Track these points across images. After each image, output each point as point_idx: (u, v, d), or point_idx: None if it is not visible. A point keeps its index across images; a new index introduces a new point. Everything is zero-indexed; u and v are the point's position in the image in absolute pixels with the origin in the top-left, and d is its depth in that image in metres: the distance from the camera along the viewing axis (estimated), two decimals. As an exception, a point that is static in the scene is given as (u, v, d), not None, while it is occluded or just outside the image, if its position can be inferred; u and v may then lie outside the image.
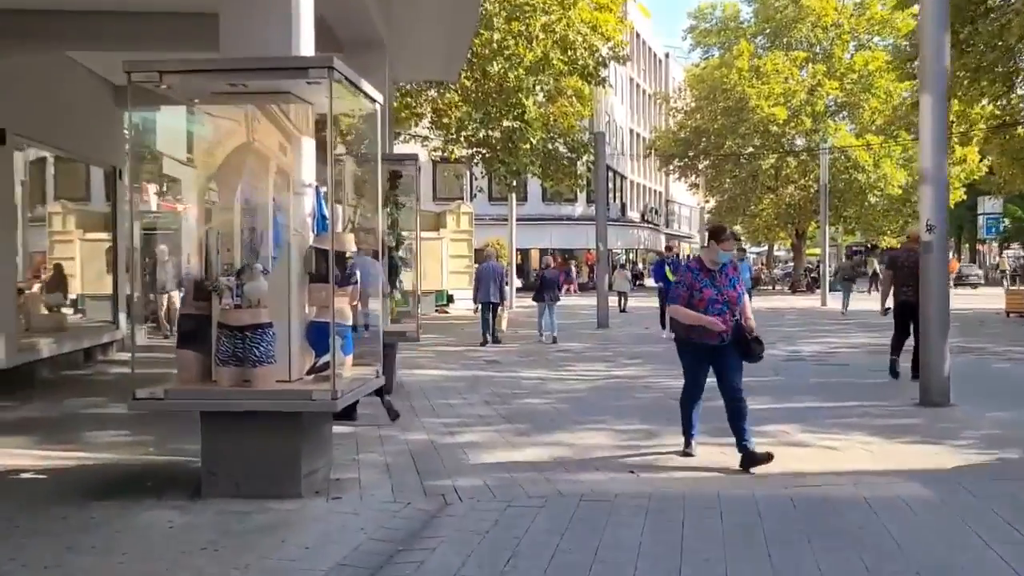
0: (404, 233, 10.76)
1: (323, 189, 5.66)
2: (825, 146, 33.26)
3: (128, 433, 7.14)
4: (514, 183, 22.16)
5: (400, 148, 28.16)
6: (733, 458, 6.23)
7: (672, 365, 13.19)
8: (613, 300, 26.46)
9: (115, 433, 7.16)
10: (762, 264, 66.91)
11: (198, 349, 5.35)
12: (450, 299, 27.91)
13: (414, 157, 9.55)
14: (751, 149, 42.94)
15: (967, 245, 71.53)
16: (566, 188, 23.23)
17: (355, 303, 5.81)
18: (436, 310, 27.16)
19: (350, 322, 5.67)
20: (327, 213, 5.51)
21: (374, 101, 5.96)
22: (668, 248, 17.66)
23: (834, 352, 14.19)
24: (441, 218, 29.11)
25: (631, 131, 59.08)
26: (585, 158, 21.57)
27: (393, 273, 10.11)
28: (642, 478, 5.71)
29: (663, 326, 16.02)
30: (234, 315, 5.09)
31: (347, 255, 5.54)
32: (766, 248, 77.57)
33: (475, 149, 19.13)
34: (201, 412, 5.20)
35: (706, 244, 6.36)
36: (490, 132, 17.95)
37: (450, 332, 18.94)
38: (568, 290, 23.48)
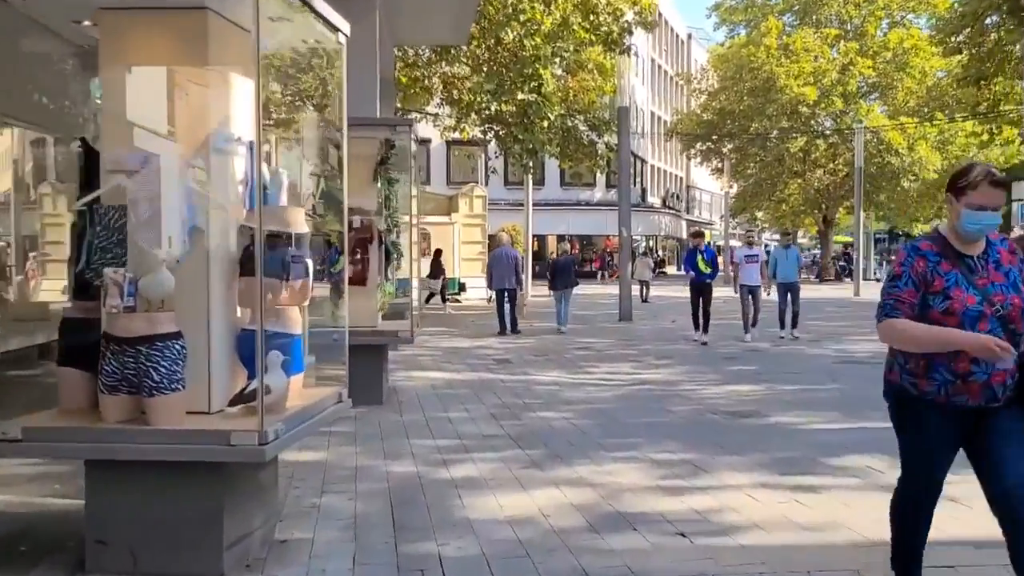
0: (402, 217, 9.24)
1: (266, 148, 4.16)
2: (860, 125, 31.26)
3: (40, 462, 5.68)
4: (530, 164, 20.54)
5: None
6: (811, 510, 4.70)
7: (708, 367, 11.45)
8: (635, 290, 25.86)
9: (21, 462, 5.69)
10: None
11: (86, 366, 3.86)
12: (462, 287, 26.45)
13: (408, 123, 8.01)
14: (776, 132, 41.07)
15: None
16: (586, 169, 21.59)
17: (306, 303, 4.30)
18: (447, 299, 25.73)
19: (299, 330, 4.16)
20: (266, 179, 3.99)
21: (336, 31, 4.44)
22: (698, 234, 15.16)
23: (890, 352, 12.58)
24: (453, 202, 27.64)
25: (652, 114, 57.21)
26: (606, 137, 19.94)
27: (386, 261, 8.62)
28: (697, 546, 4.17)
29: (696, 327, 13.93)
30: (123, 323, 3.58)
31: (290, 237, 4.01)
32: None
33: (488, 125, 17.58)
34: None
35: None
36: (504, 105, 16.39)
37: (459, 324, 17.47)
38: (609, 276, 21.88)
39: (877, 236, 56.96)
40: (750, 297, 14.17)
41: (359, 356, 7.96)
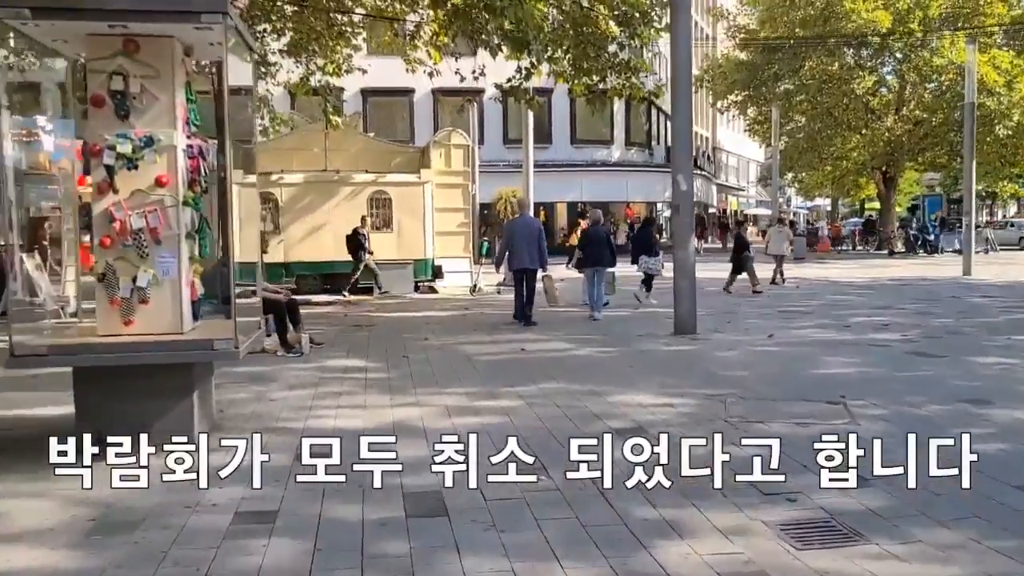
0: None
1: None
2: (972, 45, 23.56)
3: None
4: (526, 88, 13.27)
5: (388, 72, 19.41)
6: None
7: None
8: (709, 273, 16.84)
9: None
10: (828, 220, 57.20)
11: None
12: (437, 272, 19.17)
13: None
14: (832, 69, 33.20)
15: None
16: (613, 93, 14.02)
17: None
18: (417, 288, 18.55)
19: None
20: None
21: None
22: None
23: None
24: (425, 155, 20.29)
25: (676, 62, 49.32)
26: (646, 33, 12.40)
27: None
28: None
29: None
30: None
31: None
32: (828, 201, 67.71)
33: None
34: None
35: None
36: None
37: (407, 343, 9.96)
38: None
39: (914, 202, 46.82)
40: None
41: None
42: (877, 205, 46.62)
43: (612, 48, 13.29)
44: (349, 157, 19.76)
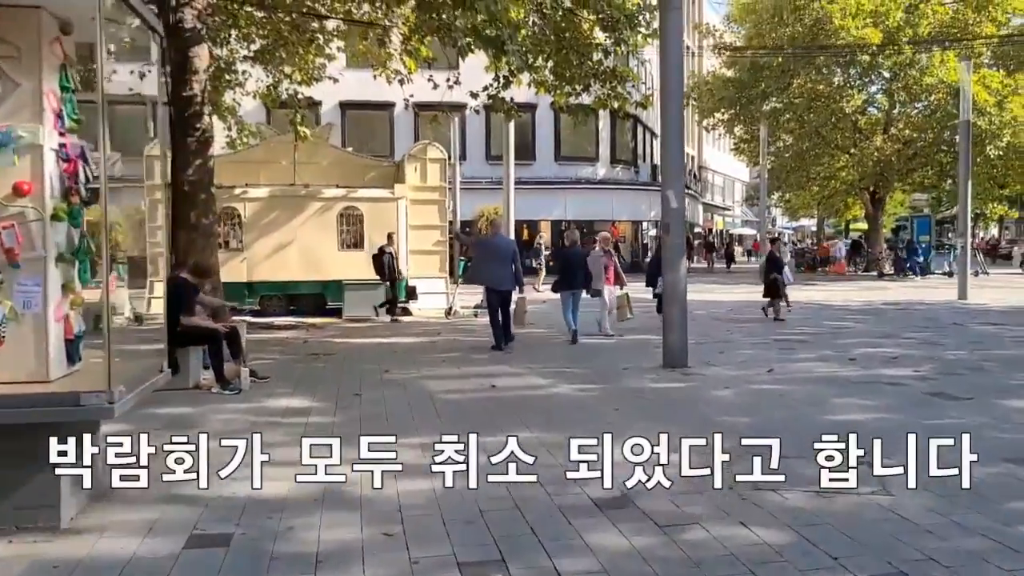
0: None
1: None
2: (967, 62, 22.80)
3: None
4: (504, 96, 12.29)
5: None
6: None
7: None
8: (720, 296, 15.62)
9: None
10: (812, 239, 56.55)
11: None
12: (411, 294, 18.10)
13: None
14: (820, 88, 32.54)
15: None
16: (597, 104, 13.00)
17: None
18: (389, 312, 17.45)
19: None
20: None
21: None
22: None
23: None
24: (400, 170, 19.28)
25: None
26: (632, 39, 11.46)
27: None
28: None
29: None
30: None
31: None
32: (813, 221, 67.26)
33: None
34: None
35: None
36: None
37: (356, 380, 8.81)
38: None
39: (899, 223, 45.60)
40: None
41: None
42: (863, 226, 46.08)
43: (597, 56, 12.36)
44: (319, 171, 18.73)
